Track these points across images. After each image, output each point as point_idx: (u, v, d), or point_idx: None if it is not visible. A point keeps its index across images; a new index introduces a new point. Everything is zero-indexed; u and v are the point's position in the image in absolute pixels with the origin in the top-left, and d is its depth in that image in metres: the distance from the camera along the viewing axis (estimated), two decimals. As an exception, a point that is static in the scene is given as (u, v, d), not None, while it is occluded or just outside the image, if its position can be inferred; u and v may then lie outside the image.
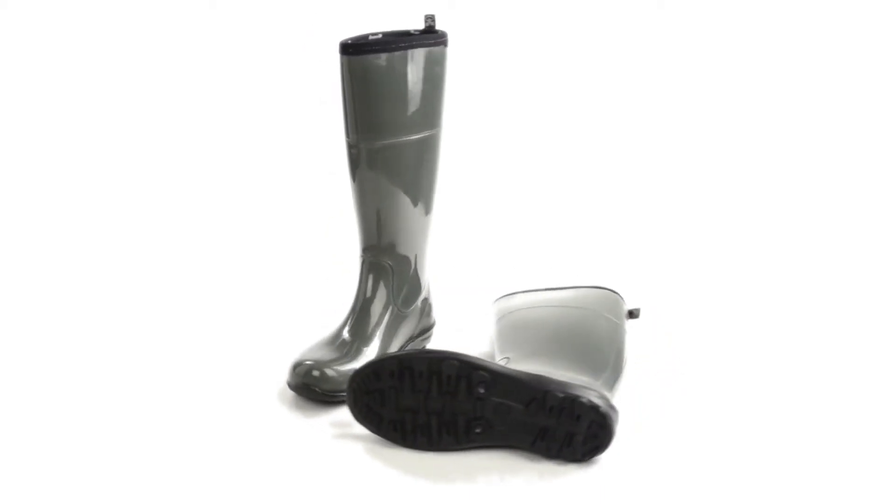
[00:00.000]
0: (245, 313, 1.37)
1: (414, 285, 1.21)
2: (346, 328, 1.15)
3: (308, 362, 1.08)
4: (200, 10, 1.66)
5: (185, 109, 1.70)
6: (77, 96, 1.69)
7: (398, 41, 1.10)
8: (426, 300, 1.25)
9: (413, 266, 1.20)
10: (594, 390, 0.97)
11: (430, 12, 1.19)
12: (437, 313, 1.28)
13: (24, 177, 1.66)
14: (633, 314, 1.23)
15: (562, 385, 0.95)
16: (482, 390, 0.95)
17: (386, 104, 1.10)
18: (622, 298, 1.22)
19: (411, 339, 1.22)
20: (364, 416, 0.99)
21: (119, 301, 1.40)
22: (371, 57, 1.08)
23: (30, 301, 1.40)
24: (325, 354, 1.10)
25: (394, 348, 1.17)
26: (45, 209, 1.64)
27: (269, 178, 1.68)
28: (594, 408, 0.94)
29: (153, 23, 1.67)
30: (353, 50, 1.08)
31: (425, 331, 1.25)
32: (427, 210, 1.20)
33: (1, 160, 1.68)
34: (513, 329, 1.16)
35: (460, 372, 0.95)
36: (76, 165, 1.68)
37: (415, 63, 1.11)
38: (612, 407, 0.96)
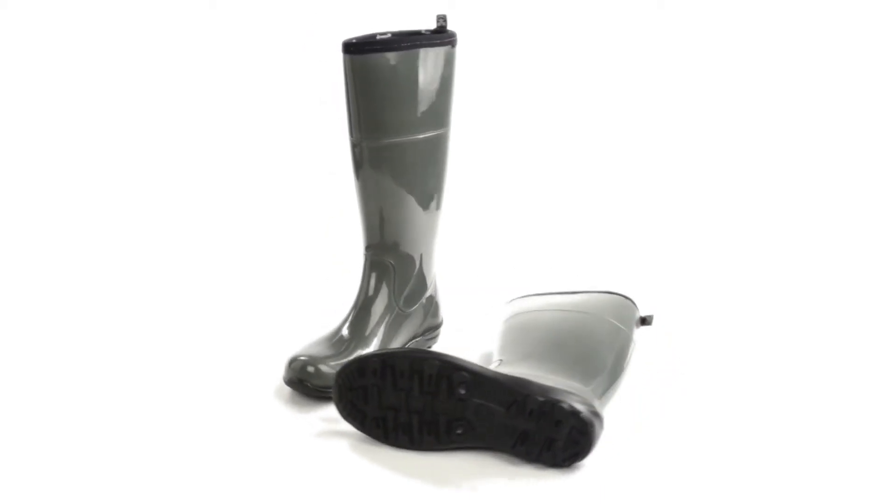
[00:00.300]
0: (246, 312, 1.37)
1: (418, 284, 1.21)
2: (346, 326, 1.15)
3: (302, 358, 1.09)
4: (200, 10, 1.67)
5: (186, 110, 1.70)
6: (78, 96, 1.69)
7: (401, 41, 1.10)
8: (432, 299, 1.24)
9: (417, 265, 1.20)
10: (578, 396, 0.95)
11: (441, 12, 1.19)
12: (445, 313, 1.28)
13: (24, 176, 1.67)
14: (645, 321, 1.22)
15: (543, 389, 0.94)
16: (463, 391, 0.95)
17: (388, 104, 1.10)
18: (635, 305, 1.21)
19: (415, 338, 1.22)
20: (348, 412, 0.99)
21: (123, 301, 1.41)
22: (372, 56, 1.08)
23: (32, 299, 1.41)
24: (321, 351, 1.11)
25: (393, 347, 1.17)
26: (46, 209, 1.65)
27: (269, 178, 1.68)
28: (575, 413, 0.93)
29: (153, 23, 1.67)
30: (355, 49, 1.09)
31: (431, 330, 1.25)
32: (433, 209, 1.19)
33: (1, 160, 1.68)
34: (514, 331, 1.15)
35: (441, 372, 0.95)
36: (78, 165, 1.69)
37: (418, 63, 1.11)
38: (595, 414, 0.94)
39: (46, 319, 1.34)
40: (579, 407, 0.93)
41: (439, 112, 1.15)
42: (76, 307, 1.38)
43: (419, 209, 1.17)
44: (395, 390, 0.97)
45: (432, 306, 1.25)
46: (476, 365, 0.96)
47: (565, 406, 0.93)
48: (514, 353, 1.09)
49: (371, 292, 1.17)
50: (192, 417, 1.06)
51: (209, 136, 1.71)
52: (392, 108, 1.11)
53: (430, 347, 1.26)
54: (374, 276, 1.17)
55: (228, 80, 1.68)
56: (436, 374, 0.95)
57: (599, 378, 1.04)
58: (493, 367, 1.06)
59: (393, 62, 1.09)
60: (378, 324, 1.16)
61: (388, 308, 1.17)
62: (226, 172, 1.70)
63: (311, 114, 1.60)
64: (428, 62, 1.12)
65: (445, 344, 1.26)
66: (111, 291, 1.44)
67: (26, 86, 1.69)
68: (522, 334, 1.13)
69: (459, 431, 0.96)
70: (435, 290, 1.26)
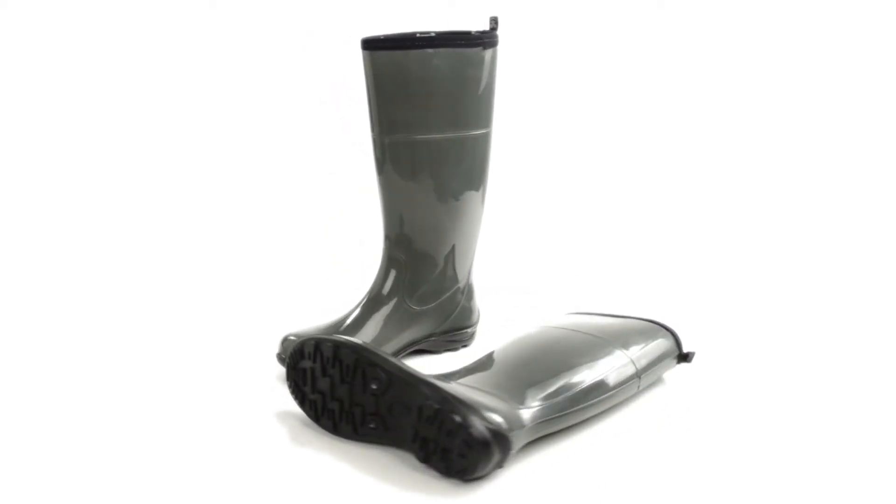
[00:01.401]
0: (245, 312, 1.39)
1: (439, 284, 1.21)
2: (352, 314, 1.18)
3: (292, 338, 1.14)
4: (200, 10, 1.67)
5: (186, 110, 1.71)
6: (79, 96, 1.71)
7: (415, 40, 1.10)
8: (457, 300, 1.24)
9: (441, 264, 1.20)
10: (483, 411, 0.91)
11: (494, 14, 1.19)
12: (490, 315, 1.27)
13: (24, 175, 1.70)
14: (684, 357, 1.15)
15: (444, 397, 0.92)
16: (375, 386, 0.96)
17: (401, 101, 1.12)
18: (676, 339, 1.14)
19: (431, 336, 1.23)
20: (292, 391, 1.03)
21: (125, 301, 1.45)
22: (385, 53, 1.11)
23: (34, 299, 1.45)
24: (314, 333, 1.14)
25: (397, 343, 1.18)
26: (49, 207, 1.68)
27: (269, 177, 1.69)
28: (465, 427, 0.89)
29: (154, 23, 1.68)
30: (371, 45, 1.12)
31: (455, 331, 1.25)
32: (460, 210, 1.18)
33: (1, 160, 1.71)
34: (513, 341, 1.13)
35: (357, 364, 0.97)
36: (80, 164, 1.72)
37: (439, 62, 1.11)
38: (496, 434, 0.90)
39: (48, 317, 1.38)
40: (474, 422, 0.90)
41: (466, 113, 1.15)
42: (80, 308, 1.42)
43: (441, 208, 1.17)
44: (323, 375, 1.00)
45: (458, 307, 1.24)
46: (394, 363, 0.96)
47: (457, 418, 0.90)
48: (485, 361, 1.07)
49: (380, 286, 1.19)
50: (185, 390, 1.13)
51: (210, 136, 1.72)
52: (405, 106, 1.12)
53: (455, 349, 1.26)
54: (385, 270, 1.20)
55: (228, 81, 1.69)
56: (352, 364, 0.97)
57: (555, 400, 0.99)
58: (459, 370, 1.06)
59: (407, 61, 1.10)
60: (381, 317, 1.18)
61: (395, 303, 1.19)
62: (226, 172, 1.71)
63: (311, 114, 1.59)
64: (451, 63, 1.11)
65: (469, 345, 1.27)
66: (120, 291, 1.49)
67: (26, 86, 1.70)
68: (513, 345, 1.11)
69: (372, 426, 0.97)
70: (468, 291, 1.25)
